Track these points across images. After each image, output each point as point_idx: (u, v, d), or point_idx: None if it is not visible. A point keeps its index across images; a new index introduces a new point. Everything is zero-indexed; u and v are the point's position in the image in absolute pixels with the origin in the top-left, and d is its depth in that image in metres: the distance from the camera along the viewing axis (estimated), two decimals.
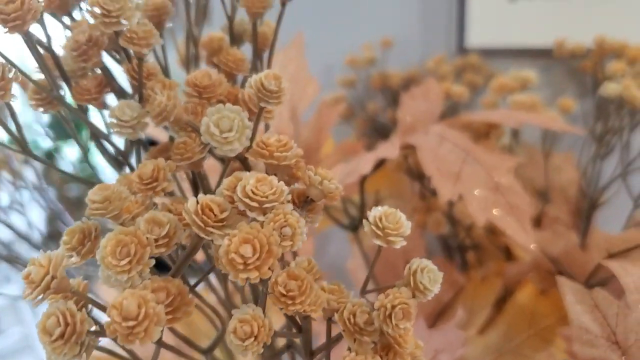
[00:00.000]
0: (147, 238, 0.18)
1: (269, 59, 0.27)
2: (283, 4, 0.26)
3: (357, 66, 0.64)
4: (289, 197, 0.20)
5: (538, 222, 0.52)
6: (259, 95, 0.22)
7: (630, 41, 0.56)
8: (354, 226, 0.47)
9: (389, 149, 0.36)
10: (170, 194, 0.23)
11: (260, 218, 0.19)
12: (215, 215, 0.18)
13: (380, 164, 0.45)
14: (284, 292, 0.19)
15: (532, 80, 0.46)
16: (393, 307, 0.20)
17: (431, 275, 0.21)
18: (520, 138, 0.51)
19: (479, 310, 0.47)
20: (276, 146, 0.21)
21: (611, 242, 0.41)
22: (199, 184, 0.26)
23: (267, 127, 0.28)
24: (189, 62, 0.29)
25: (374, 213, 0.22)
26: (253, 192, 0.19)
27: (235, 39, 0.28)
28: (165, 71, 0.28)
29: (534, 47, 0.63)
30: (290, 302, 0.19)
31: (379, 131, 0.65)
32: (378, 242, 0.22)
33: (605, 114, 0.56)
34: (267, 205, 0.19)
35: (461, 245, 0.55)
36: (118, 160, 0.26)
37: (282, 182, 0.19)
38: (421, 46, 0.67)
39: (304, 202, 0.22)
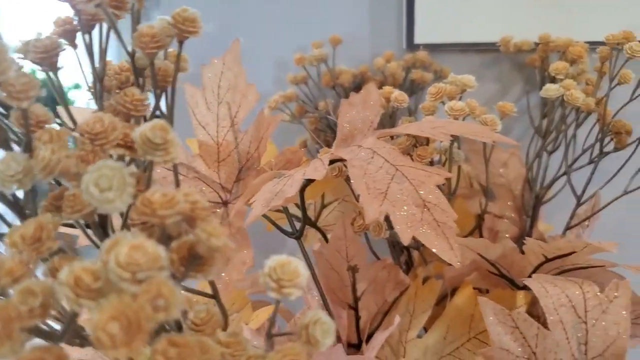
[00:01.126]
0: (18, 311, 0.18)
1: (171, 97, 0.26)
2: (180, 42, 0.25)
3: (306, 64, 0.63)
4: (177, 259, 0.20)
5: (481, 218, 0.52)
6: (144, 149, 0.21)
7: (576, 38, 0.56)
8: (298, 233, 0.47)
9: (316, 170, 0.36)
10: (60, 251, 0.23)
11: (133, 289, 0.18)
12: (88, 285, 0.18)
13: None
14: None
15: (470, 85, 0.46)
16: None
17: (324, 328, 0.21)
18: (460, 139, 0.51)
19: (420, 313, 0.47)
20: (160, 202, 0.20)
21: (546, 248, 0.41)
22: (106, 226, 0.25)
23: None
24: (97, 96, 0.28)
25: (269, 263, 0.22)
26: (125, 262, 0.18)
27: (139, 73, 0.27)
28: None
29: (482, 42, 0.63)
30: None
31: (333, 129, 0.65)
32: (272, 294, 0.22)
33: (551, 111, 0.56)
34: (140, 275, 0.18)
35: (407, 246, 0.55)
36: (18, 207, 0.25)
37: (158, 248, 0.19)
38: (371, 43, 0.66)
39: (193, 258, 0.21)
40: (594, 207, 0.55)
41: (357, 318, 0.51)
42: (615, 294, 0.32)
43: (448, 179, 0.50)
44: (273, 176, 0.38)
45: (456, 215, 0.36)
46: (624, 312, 0.31)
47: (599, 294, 0.32)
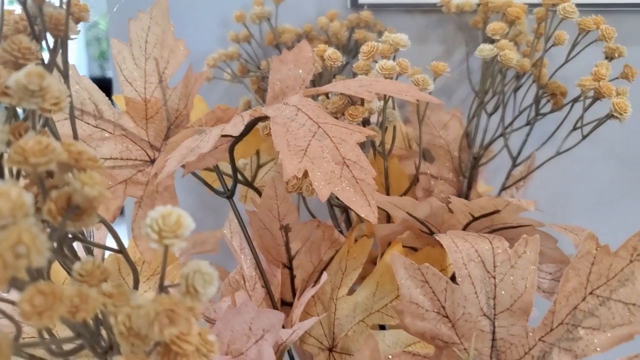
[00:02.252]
0: None
1: (63, 48, 0.25)
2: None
3: (247, 21, 0.62)
4: (51, 206, 0.20)
5: (416, 179, 0.52)
6: (20, 95, 0.20)
7: (515, 0, 0.55)
8: (229, 192, 0.47)
9: (235, 126, 0.36)
10: None
11: None
12: None
13: (251, 126, 0.44)
14: (30, 309, 0.18)
15: (403, 44, 0.45)
16: (157, 313, 0.20)
17: (205, 278, 0.21)
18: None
19: (351, 271, 0.48)
20: (33, 150, 0.20)
21: (470, 206, 0.42)
22: None
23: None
24: None
25: (152, 213, 0.21)
26: None
27: (33, 22, 0.26)
28: None
29: (427, 2, 0.62)
30: (37, 317, 0.18)
31: None
32: (154, 246, 0.21)
33: (486, 72, 0.56)
34: (0, 222, 0.18)
35: (343, 206, 0.55)
36: None
37: (24, 194, 0.18)
38: (316, 1, 0.65)
39: (71, 208, 0.21)
40: (529, 168, 0.56)
41: (293, 277, 0.51)
42: (524, 249, 0.32)
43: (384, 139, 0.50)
44: (194, 132, 0.38)
45: (375, 172, 0.36)
46: (532, 267, 0.32)
47: (508, 249, 0.32)
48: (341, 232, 0.56)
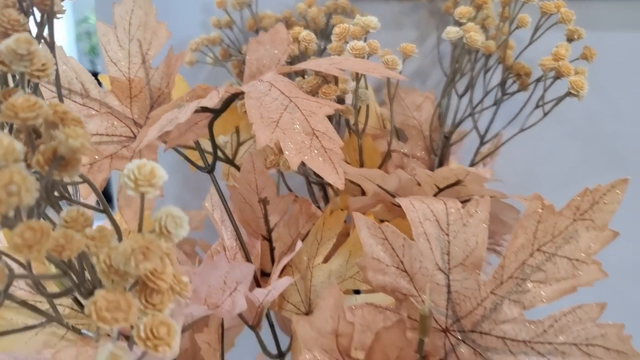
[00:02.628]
0: None
1: (49, 22, 0.28)
2: None
3: (228, 7, 0.64)
4: (42, 155, 0.22)
5: (388, 156, 0.55)
6: (9, 59, 0.23)
7: None
8: (210, 167, 0.49)
9: (211, 99, 0.38)
10: None
11: None
12: None
13: (229, 103, 0.47)
14: (21, 242, 0.21)
15: (373, 26, 0.48)
16: (132, 249, 0.23)
17: (176, 220, 0.24)
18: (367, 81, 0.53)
19: (326, 241, 0.51)
20: (22, 106, 0.23)
21: (434, 177, 0.45)
22: None
23: None
24: None
25: (129, 165, 0.24)
26: None
27: None
28: None
29: None
30: (27, 250, 0.21)
31: None
32: (131, 193, 0.24)
33: (462, 55, 0.59)
34: None
35: (321, 183, 0.58)
36: None
37: (14, 143, 0.21)
38: None
39: (56, 159, 0.24)
40: (496, 146, 0.59)
41: (272, 248, 0.54)
42: (475, 209, 0.35)
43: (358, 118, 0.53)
44: (174, 106, 0.40)
45: (342, 143, 0.39)
46: (483, 225, 0.35)
47: (460, 209, 0.35)
48: (319, 207, 0.58)
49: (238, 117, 0.53)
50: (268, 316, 0.52)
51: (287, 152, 0.37)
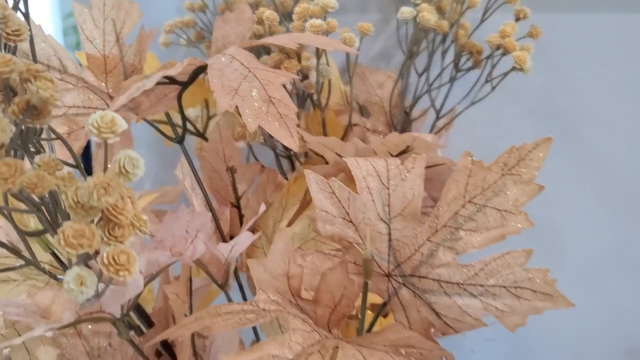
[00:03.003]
0: None
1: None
2: None
3: None
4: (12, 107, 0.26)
5: (349, 128, 0.59)
6: None
7: None
8: (179, 138, 0.53)
9: (175, 69, 0.42)
10: None
11: None
12: None
13: (196, 75, 0.50)
14: None
15: (331, 6, 0.52)
16: (95, 185, 0.27)
17: (134, 162, 0.28)
18: (328, 58, 0.57)
19: (290, 206, 0.54)
20: None
21: (386, 144, 0.49)
22: None
23: None
24: None
25: (93, 116, 0.28)
26: None
27: None
28: None
29: None
30: (3, 182, 0.25)
31: None
32: (94, 139, 0.28)
33: (419, 35, 0.63)
34: None
35: (288, 155, 0.62)
36: None
37: None
38: None
39: (29, 109, 0.27)
40: (450, 118, 0.63)
41: (241, 215, 0.58)
42: (412, 165, 0.39)
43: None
44: (143, 77, 0.44)
45: (297, 109, 0.42)
46: (419, 180, 0.39)
47: (399, 165, 0.39)
48: (287, 179, 0.62)
49: (206, 91, 0.56)
50: (237, 277, 0.56)
51: (245, 118, 0.41)
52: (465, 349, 0.80)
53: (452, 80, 0.61)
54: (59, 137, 0.33)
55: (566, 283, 0.40)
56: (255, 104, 0.42)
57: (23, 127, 0.28)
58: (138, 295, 0.40)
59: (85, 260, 0.29)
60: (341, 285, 0.37)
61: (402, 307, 0.41)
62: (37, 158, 0.29)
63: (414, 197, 0.39)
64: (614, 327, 0.74)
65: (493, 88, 0.57)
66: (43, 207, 0.29)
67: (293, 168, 0.64)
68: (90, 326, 0.48)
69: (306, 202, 0.55)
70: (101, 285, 0.31)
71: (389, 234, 0.39)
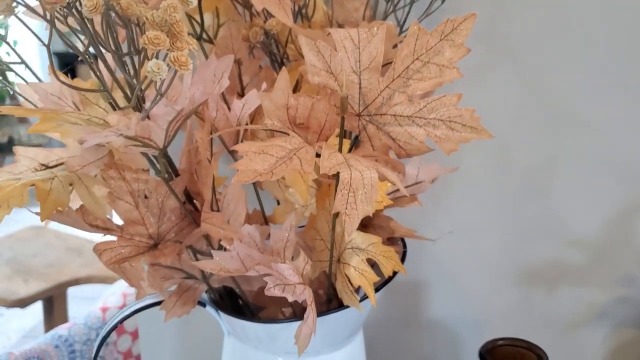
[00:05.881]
0: None
1: None
2: None
3: None
4: None
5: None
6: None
7: None
8: (199, 36, 0.68)
9: None
10: None
11: None
12: None
13: None
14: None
15: None
16: (167, 5, 0.41)
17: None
18: None
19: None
20: None
21: None
22: None
23: None
24: None
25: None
26: None
27: None
28: None
29: None
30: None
31: None
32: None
33: None
34: None
35: (281, 58, 0.77)
36: None
37: None
38: None
39: None
40: None
41: None
42: (377, 30, 0.54)
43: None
44: None
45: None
46: (381, 42, 0.54)
47: (367, 31, 0.54)
48: None
49: (219, 1, 0.71)
50: None
51: (254, 2, 0.56)
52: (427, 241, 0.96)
53: (412, 2, 0.77)
54: None
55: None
56: None
57: None
58: (178, 128, 0.55)
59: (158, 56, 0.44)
60: (325, 113, 0.53)
61: (368, 139, 0.56)
62: None
63: (377, 55, 0.54)
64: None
65: (442, 2, 0.73)
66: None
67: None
68: (133, 175, 0.62)
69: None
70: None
71: (360, 83, 0.55)
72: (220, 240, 0.61)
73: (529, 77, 0.86)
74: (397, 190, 0.71)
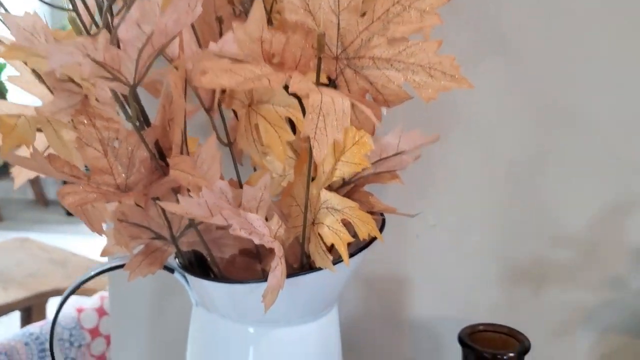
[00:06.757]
0: None
1: None
2: None
3: None
4: None
5: None
6: None
7: None
8: None
9: None
10: None
11: None
12: None
13: None
14: None
15: None
16: None
17: None
18: None
19: None
20: None
21: None
22: None
23: None
24: None
25: None
26: None
27: None
28: None
29: None
30: None
31: None
32: None
33: None
34: None
35: None
36: None
37: None
38: None
39: None
40: None
41: None
42: None
43: None
44: None
45: None
46: None
47: None
48: None
49: None
50: (221, 113, 0.69)
51: None
52: (411, 234, 0.93)
53: None
54: None
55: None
56: None
57: None
58: (149, 64, 0.53)
59: None
60: (300, 46, 0.51)
61: (345, 83, 0.54)
62: None
63: None
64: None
65: None
66: None
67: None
68: (104, 122, 0.60)
69: None
70: None
71: (338, 24, 0.53)
72: (189, 191, 0.59)
73: (517, 73, 0.85)
74: (380, 159, 0.69)
